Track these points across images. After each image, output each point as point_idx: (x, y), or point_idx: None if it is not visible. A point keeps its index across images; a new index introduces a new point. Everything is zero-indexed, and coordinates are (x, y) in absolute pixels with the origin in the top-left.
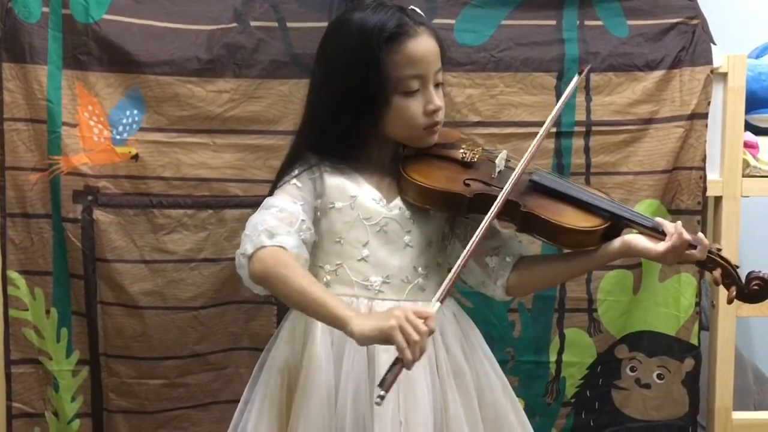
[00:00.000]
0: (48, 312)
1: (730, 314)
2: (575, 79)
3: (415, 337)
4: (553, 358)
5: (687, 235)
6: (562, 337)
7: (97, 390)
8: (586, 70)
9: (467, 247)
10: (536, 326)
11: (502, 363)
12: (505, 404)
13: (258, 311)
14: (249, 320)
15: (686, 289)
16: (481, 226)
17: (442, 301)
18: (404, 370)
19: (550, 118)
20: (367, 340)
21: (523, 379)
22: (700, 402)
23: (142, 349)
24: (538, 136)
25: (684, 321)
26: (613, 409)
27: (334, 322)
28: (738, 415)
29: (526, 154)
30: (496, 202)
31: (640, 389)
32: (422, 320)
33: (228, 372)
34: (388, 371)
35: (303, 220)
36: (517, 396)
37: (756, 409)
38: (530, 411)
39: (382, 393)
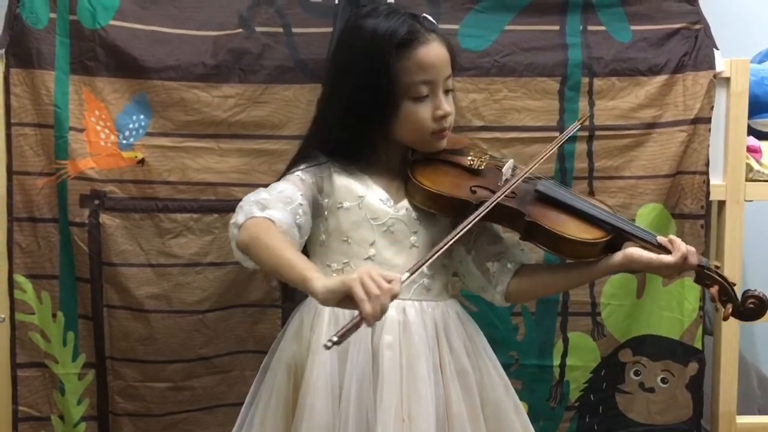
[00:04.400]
0: (54, 315)
1: (734, 319)
2: (573, 125)
3: (376, 291)
4: (556, 361)
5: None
6: (565, 340)
7: (103, 393)
8: (584, 119)
9: (454, 232)
10: (540, 330)
11: (506, 366)
12: (507, 404)
13: (263, 314)
14: (254, 323)
15: (690, 293)
16: (468, 221)
17: (411, 274)
18: (363, 326)
19: (546, 152)
20: (328, 294)
21: (526, 383)
22: (704, 406)
23: (148, 352)
24: (536, 160)
25: (688, 325)
26: (617, 413)
27: (300, 280)
28: (742, 420)
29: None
30: (488, 203)
31: (644, 393)
32: (387, 281)
33: (233, 375)
34: (347, 324)
35: (300, 204)
36: (521, 400)
37: (760, 413)
38: (534, 415)
39: (334, 338)
